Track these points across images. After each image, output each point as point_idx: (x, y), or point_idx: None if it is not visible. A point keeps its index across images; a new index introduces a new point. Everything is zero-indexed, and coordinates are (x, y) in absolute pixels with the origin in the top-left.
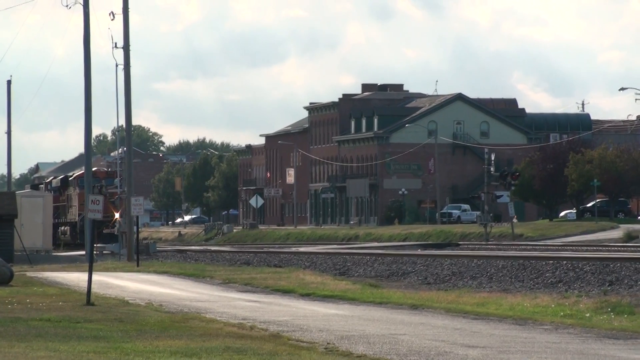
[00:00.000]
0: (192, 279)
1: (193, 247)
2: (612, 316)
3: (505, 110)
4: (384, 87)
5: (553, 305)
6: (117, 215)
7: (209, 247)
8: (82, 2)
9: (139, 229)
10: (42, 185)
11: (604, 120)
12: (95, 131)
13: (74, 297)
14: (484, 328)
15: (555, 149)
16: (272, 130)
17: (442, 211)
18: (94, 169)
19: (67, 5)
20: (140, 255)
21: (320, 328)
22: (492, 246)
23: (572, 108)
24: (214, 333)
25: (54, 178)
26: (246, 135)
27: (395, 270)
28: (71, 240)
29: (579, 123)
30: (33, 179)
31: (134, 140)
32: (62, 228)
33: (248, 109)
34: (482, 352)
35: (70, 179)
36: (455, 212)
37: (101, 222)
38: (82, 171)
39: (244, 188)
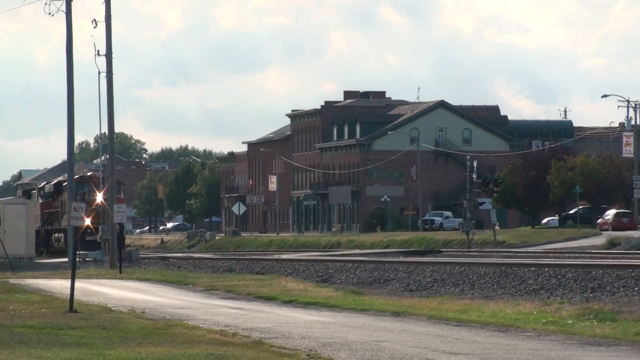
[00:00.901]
0: (174, 286)
1: (176, 254)
2: (595, 323)
3: (487, 118)
4: (366, 95)
5: (535, 312)
6: None
7: (191, 254)
8: (64, 10)
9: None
10: (34, 191)
11: (587, 127)
12: (78, 138)
13: (57, 304)
14: (466, 335)
15: (538, 155)
16: (254, 137)
17: (424, 218)
18: (89, 173)
19: (49, 13)
20: (123, 263)
21: (303, 335)
22: (474, 253)
23: (555, 115)
24: (197, 340)
25: (47, 183)
26: (229, 142)
27: (377, 277)
28: (65, 247)
29: (561, 130)
30: (16, 186)
31: (117, 147)
32: (56, 235)
33: (231, 116)
34: (464, 359)
35: (64, 184)
36: (438, 219)
37: (98, 229)
38: (77, 176)
39: (227, 195)
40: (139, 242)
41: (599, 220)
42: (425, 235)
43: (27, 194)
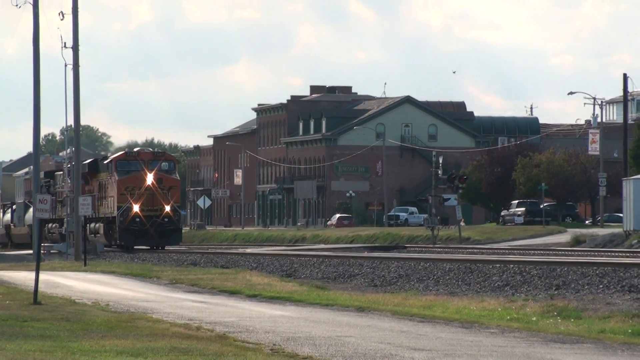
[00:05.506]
0: (138, 279)
1: (140, 247)
2: (559, 320)
3: (453, 114)
4: (332, 89)
5: (500, 309)
6: (167, 208)
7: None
8: (31, 2)
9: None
10: (59, 173)
11: (553, 124)
12: (44, 130)
13: (21, 296)
14: (430, 331)
15: (503, 152)
16: (220, 131)
17: (389, 214)
18: (136, 149)
19: (17, 5)
20: (88, 255)
21: (267, 329)
22: (439, 249)
23: (522, 111)
24: (161, 333)
25: None
26: (195, 136)
27: (342, 273)
28: (106, 240)
29: (527, 127)
30: None
31: (83, 140)
32: (93, 225)
33: (197, 109)
34: (428, 355)
35: (105, 162)
36: (403, 214)
37: (149, 216)
38: (122, 152)
39: (192, 189)
40: None
41: (328, 222)
42: (391, 230)
43: (50, 176)
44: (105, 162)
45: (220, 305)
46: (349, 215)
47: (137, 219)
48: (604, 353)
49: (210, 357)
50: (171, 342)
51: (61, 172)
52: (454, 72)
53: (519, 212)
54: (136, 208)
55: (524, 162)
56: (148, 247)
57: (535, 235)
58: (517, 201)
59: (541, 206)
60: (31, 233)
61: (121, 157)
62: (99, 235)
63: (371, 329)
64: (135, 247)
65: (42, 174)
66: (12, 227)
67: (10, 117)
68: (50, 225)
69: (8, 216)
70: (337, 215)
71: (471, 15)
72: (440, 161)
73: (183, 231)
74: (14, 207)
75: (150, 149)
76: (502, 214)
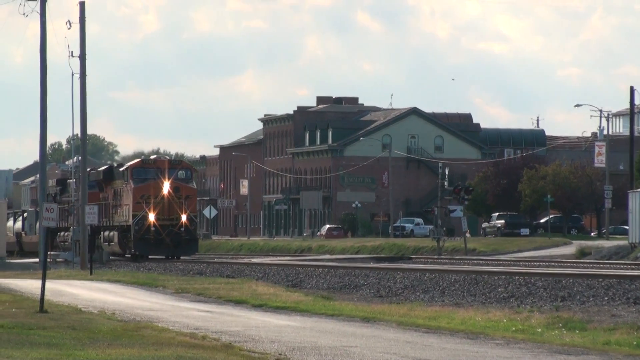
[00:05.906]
0: (144, 288)
1: (147, 257)
2: (564, 332)
3: (459, 125)
4: (338, 100)
5: (505, 320)
6: (184, 217)
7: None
8: (39, 11)
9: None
10: (71, 180)
11: (559, 136)
12: (51, 139)
13: (27, 304)
14: (436, 342)
15: (509, 164)
16: (227, 141)
17: (395, 225)
18: (152, 157)
19: (24, 14)
20: (94, 264)
21: (272, 339)
22: (444, 260)
23: (528, 123)
24: (166, 342)
25: (92, 170)
26: (201, 146)
27: (347, 283)
28: (120, 249)
29: (533, 139)
30: None
31: (89, 149)
32: (107, 233)
33: (204, 119)
34: None
35: (120, 169)
36: (409, 225)
37: (165, 226)
38: (138, 160)
39: (198, 198)
40: None
41: (319, 233)
42: (396, 241)
43: (62, 184)
44: (121, 169)
45: (226, 314)
46: (339, 226)
47: (153, 228)
48: None
49: None
50: (177, 351)
51: (73, 180)
52: (452, 80)
53: (499, 225)
54: (152, 217)
55: (530, 174)
56: (163, 257)
57: (541, 247)
58: (497, 213)
59: (546, 219)
60: None
61: (137, 164)
62: (113, 243)
63: (377, 339)
64: (150, 256)
65: (54, 182)
66: (23, 235)
67: (16, 126)
68: (62, 233)
69: (19, 224)
70: (327, 226)
71: (478, 27)
72: (446, 172)
73: None
74: (25, 214)
75: (167, 157)
76: (483, 226)
